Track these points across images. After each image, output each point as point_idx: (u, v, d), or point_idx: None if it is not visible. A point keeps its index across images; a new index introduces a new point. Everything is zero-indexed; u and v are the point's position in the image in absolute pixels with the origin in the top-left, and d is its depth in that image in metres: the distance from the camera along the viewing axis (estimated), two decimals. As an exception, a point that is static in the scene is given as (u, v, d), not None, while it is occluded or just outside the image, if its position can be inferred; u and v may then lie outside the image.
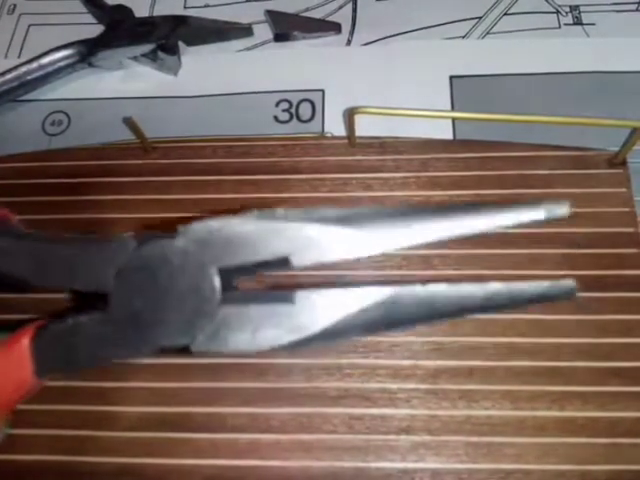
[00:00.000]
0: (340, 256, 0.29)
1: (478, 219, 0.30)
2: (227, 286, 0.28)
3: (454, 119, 0.47)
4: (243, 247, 0.28)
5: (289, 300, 0.28)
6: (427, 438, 0.36)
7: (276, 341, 0.28)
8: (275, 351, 0.28)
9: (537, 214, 0.30)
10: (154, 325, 0.28)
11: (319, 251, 0.28)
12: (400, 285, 0.29)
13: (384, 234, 0.29)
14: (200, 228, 0.28)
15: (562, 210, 0.30)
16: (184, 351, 0.28)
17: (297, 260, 0.28)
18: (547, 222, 0.30)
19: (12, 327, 0.30)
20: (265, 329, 0.28)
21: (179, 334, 0.28)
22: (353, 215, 0.29)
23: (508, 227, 0.29)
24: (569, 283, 0.29)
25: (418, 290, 0.29)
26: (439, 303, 0.29)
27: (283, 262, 0.28)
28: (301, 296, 0.28)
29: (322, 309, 0.28)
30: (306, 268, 0.28)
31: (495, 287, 0.29)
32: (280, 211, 0.29)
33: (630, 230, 0.40)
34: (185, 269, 0.28)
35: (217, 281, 0.28)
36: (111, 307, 0.28)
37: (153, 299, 0.28)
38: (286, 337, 0.28)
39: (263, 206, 0.42)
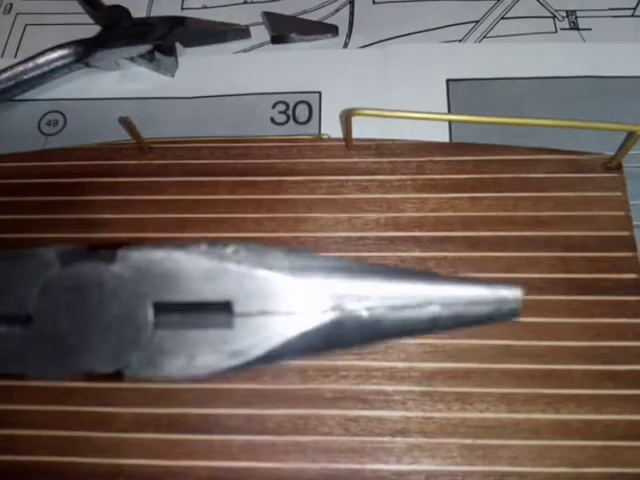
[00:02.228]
0: (284, 307, 0.26)
1: (429, 288, 0.27)
2: (162, 318, 0.26)
3: (450, 122, 0.47)
4: (183, 284, 0.26)
5: (228, 325, 0.26)
6: (422, 440, 0.36)
7: (213, 366, 0.26)
8: (212, 377, 0.26)
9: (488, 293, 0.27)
10: (79, 349, 0.25)
11: (263, 300, 0.26)
12: (343, 311, 0.27)
13: (334, 290, 0.27)
14: (141, 256, 0.26)
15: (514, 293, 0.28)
16: (115, 376, 0.26)
17: (239, 306, 0.26)
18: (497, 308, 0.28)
19: None
20: (202, 354, 0.26)
21: (106, 361, 0.25)
22: (308, 266, 0.27)
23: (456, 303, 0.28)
24: (514, 305, 0.27)
25: (362, 315, 0.26)
26: (382, 327, 0.27)
27: (224, 306, 0.26)
28: (240, 322, 0.26)
29: (261, 335, 0.26)
30: (247, 314, 0.26)
31: (438, 310, 0.28)
32: (230, 249, 0.27)
33: (625, 234, 0.40)
34: (118, 296, 0.25)
35: (151, 314, 0.25)
36: (33, 323, 0.26)
37: (80, 322, 0.26)
38: (224, 362, 0.26)
39: (261, 207, 0.42)
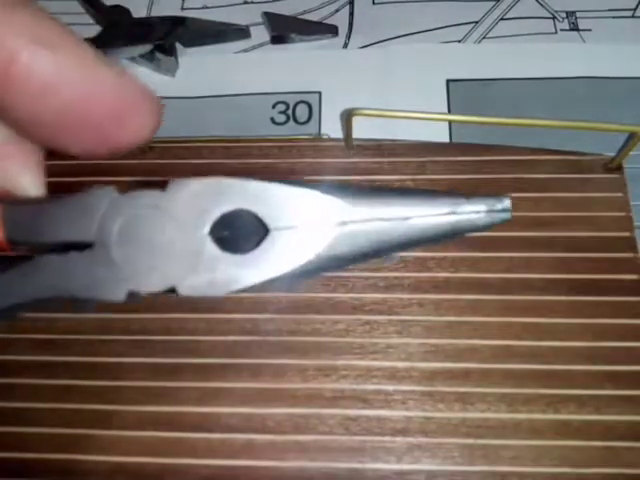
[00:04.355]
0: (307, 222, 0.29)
1: (416, 205, 0.29)
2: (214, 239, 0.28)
3: (451, 122, 0.47)
4: (230, 204, 0.28)
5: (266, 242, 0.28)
6: (423, 440, 0.36)
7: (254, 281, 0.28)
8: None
9: (478, 207, 0.30)
10: (134, 268, 0.27)
11: (293, 215, 0.28)
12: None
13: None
14: (191, 184, 0.28)
15: (504, 204, 0.30)
16: (169, 292, 0.28)
17: (273, 222, 0.28)
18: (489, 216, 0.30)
19: None
20: (245, 272, 0.28)
21: (161, 278, 0.27)
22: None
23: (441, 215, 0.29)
24: (506, 216, 0.30)
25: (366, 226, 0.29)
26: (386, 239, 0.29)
27: (259, 223, 0.28)
28: (275, 237, 0.28)
29: (295, 250, 0.28)
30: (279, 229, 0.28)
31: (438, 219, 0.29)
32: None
33: (626, 235, 0.40)
34: (174, 218, 0.27)
35: (207, 229, 0.28)
36: (93, 249, 0.28)
37: (137, 246, 0.28)
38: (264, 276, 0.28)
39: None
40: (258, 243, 0.28)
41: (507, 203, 0.30)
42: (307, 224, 0.28)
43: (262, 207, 0.28)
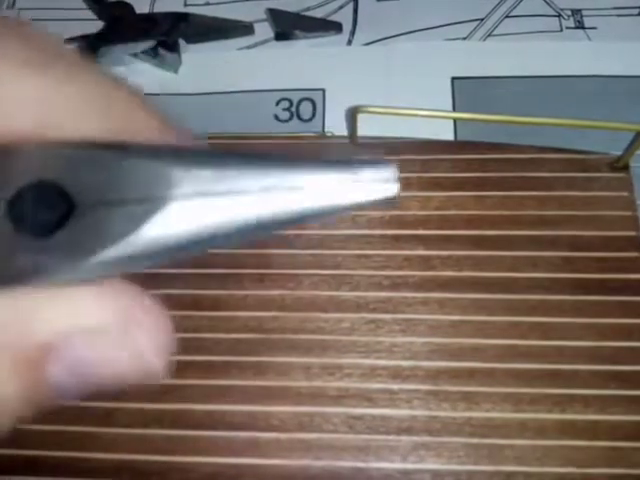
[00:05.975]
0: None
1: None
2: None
3: (456, 120, 0.47)
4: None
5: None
6: (427, 439, 0.36)
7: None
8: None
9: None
10: None
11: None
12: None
13: None
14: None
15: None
16: None
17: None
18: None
19: None
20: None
21: None
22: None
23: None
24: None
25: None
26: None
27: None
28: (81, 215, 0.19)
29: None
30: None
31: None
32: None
33: (632, 234, 0.40)
34: None
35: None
36: None
37: None
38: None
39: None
40: (63, 223, 0.20)
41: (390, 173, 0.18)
42: (126, 198, 0.19)
43: (70, 177, 0.19)
